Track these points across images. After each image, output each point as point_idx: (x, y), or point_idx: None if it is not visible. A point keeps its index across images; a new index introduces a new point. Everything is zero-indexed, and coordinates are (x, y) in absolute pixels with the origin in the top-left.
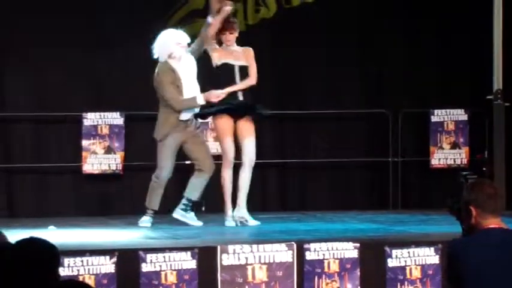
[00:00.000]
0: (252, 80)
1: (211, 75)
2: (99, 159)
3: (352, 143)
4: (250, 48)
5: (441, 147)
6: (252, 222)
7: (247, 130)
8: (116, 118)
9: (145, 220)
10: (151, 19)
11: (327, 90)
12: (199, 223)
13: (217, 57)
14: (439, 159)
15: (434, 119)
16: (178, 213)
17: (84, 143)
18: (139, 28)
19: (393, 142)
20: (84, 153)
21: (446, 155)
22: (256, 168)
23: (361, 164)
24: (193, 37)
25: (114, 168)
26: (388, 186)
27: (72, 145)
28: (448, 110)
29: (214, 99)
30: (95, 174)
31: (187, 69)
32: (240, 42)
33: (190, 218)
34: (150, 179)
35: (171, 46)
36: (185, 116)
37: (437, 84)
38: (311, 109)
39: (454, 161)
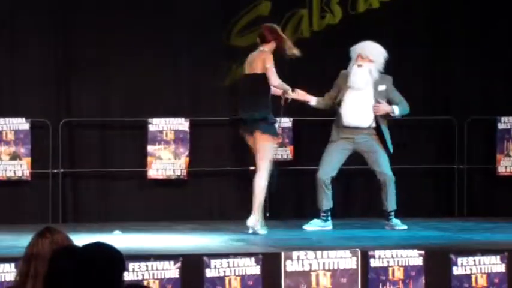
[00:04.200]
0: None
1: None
2: (164, 164)
3: (418, 150)
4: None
5: (508, 155)
6: (261, 231)
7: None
8: (181, 123)
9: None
10: (216, 26)
11: None
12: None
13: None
14: (506, 166)
15: (501, 126)
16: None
17: (150, 148)
18: (204, 34)
19: (459, 149)
20: (149, 159)
21: None
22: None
23: (427, 171)
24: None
25: (179, 173)
26: (454, 193)
27: (138, 150)
28: None
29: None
30: (160, 179)
31: None
32: (305, 48)
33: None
34: (213, 185)
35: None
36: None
37: (505, 91)
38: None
39: None
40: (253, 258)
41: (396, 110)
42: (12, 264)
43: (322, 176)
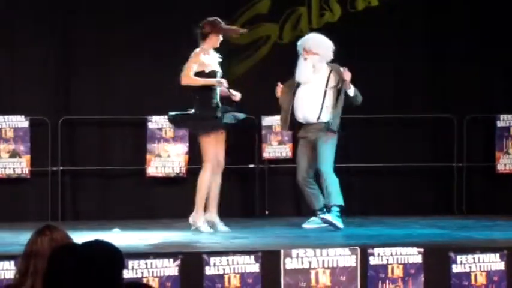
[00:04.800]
0: None
1: None
2: (163, 162)
3: (416, 148)
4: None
5: (507, 153)
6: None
7: None
8: None
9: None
10: None
11: (392, 94)
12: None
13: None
14: (505, 164)
15: (500, 124)
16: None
17: (149, 146)
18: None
19: (459, 147)
20: (148, 156)
21: None
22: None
23: (426, 169)
24: (256, 41)
25: (178, 171)
26: (453, 191)
27: (137, 148)
28: None
29: None
30: (159, 177)
31: None
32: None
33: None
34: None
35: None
36: None
37: (504, 89)
38: (375, 113)
39: None
40: (252, 256)
41: (352, 90)
42: (12, 262)
43: (298, 178)
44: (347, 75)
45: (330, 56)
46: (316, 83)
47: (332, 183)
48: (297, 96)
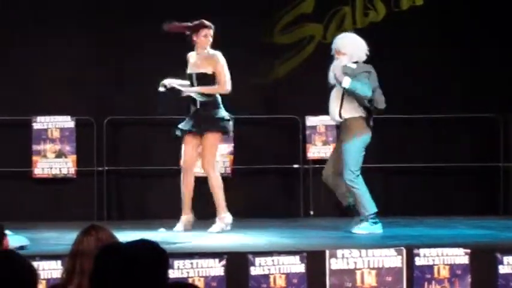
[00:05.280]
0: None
1: None
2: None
3: (462, 148)
4: (217, 53)
5: None
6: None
7: None
8: None
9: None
10: (258, 23)
11: (435, 94)
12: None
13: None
14: None
15: None
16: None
17: None
18: (246, 32)
19: (505, 147)
20: None
21: None
22: (365, 173)
23: (470, 169)
24: (300, 41)
25: (223, 171)
26: (499, 191)
27: (180, 148)
28: None
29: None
30: (203, 177)
31: None
32: None
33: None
34: (253, 183)
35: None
36: None
37: None
38: (419, 113)
39: None
40: (297, 256)
41: (346, 82)
42: (59, 262)
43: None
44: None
45: (362, 56)
46: (332, 81)
47: (358, 193)
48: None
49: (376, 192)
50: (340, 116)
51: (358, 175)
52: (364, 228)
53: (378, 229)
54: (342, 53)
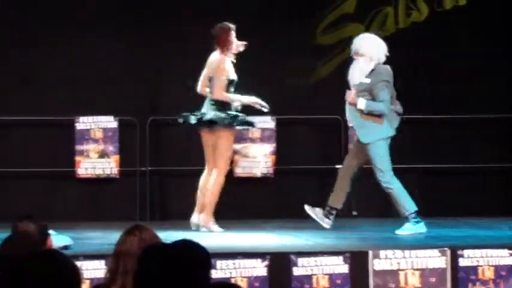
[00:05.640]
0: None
1: None
2: (250, 162)
3: (493, 149)
4: (216, 56)
5: None
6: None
7: None
8: (267, 122)
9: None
10: (301, 24)
11: (479, 93)
12: None
13: None
14: None
15: None
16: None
17: (235, 146)
18: (290, 32)
19: None
20: (236, 157)
21: None
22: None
23: (503, 170)
24: (342, 41)
25: (266, 171)
26: None
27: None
28: None
29: None
30: (246, 177)
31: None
32: (391, 45)
33: None
34: (295, 183)
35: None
36: None
37: None
38: (450, 113)
39: None
40: (341, 257)
41: (361, 104)
42: (102, 261)
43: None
44: (348, 97)
45: (381, 58)
46: (351, 81)
47: (395, 194)
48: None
49: (419, 192)
50: (350, 121)
51: (392, 175)
52: (407, 229)
53: (421, 228)
54: (360, 54)
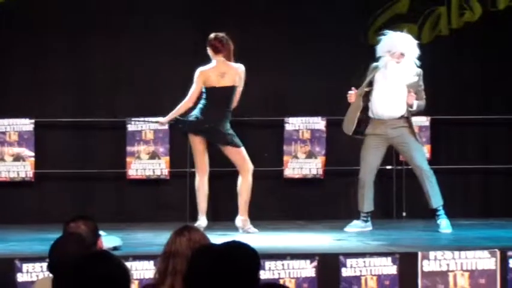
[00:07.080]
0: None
1: None
2: (300, 163)
3: None
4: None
5: None
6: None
7: None
8: (317, 123)
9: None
10: (354, 24)
11: None
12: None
13: None
14: None
15: None
16: None
17: (286, 147)
18: (342, 33)
19: None
20: (285, 158)
21: None
22: (458, 175)
23: None
24: None
25: (315, 172)
26: None
27: (274, 149)
28: None
29: None
30: (295, 178)
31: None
32: (443, 46)
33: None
34: (348, 184)
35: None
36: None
37: None
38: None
39: None
40: (389, 258)
41: (415, 105)
42: (151, 262)
43: (363, 176)
44: (410, 99)
45: (415, 53)
46: (398, 80)
47: (436, 182)
48: (375, 94)
49: (472, 193)
50: (402, 114)
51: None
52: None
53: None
54: (401, 53)
